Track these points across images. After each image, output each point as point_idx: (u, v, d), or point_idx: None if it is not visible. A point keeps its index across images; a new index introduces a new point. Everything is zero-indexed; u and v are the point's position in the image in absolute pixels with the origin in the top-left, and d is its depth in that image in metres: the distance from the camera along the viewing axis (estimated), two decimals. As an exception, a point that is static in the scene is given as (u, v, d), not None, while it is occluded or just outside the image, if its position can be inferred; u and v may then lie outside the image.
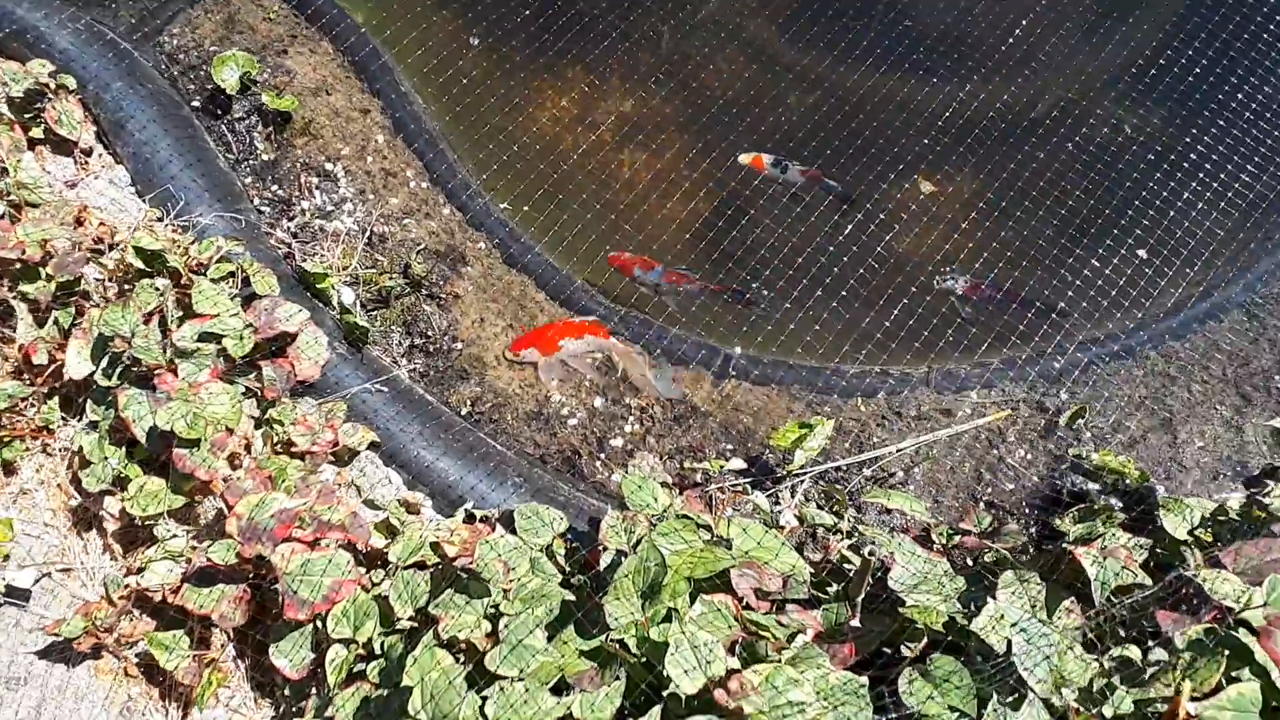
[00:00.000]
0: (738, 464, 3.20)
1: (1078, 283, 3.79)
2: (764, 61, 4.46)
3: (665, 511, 2.63)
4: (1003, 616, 2.19)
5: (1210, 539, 2.56)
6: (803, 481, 3.33)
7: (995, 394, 3.60)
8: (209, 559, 2.56)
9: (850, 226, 3.99)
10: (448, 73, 4.18)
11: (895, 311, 3.78)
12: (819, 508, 3.06)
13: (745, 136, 4.22)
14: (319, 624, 2.55)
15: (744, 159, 4.12)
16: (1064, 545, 2.44)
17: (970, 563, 2.71)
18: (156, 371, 2.85)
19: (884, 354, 3.70)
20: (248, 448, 2.92)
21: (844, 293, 3.84)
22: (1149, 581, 2.32)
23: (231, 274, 3.23)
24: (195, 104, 3.86)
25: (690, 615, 2.25)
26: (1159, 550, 2.54)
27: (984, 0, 4.51)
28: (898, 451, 3.41)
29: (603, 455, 3.48)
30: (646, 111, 4.29)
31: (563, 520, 2.76)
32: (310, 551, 2.59)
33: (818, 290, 3.86)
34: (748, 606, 2.35)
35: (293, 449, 2.93)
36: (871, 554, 2.60)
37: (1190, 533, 2.60)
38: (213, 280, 3.15)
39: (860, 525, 2.82)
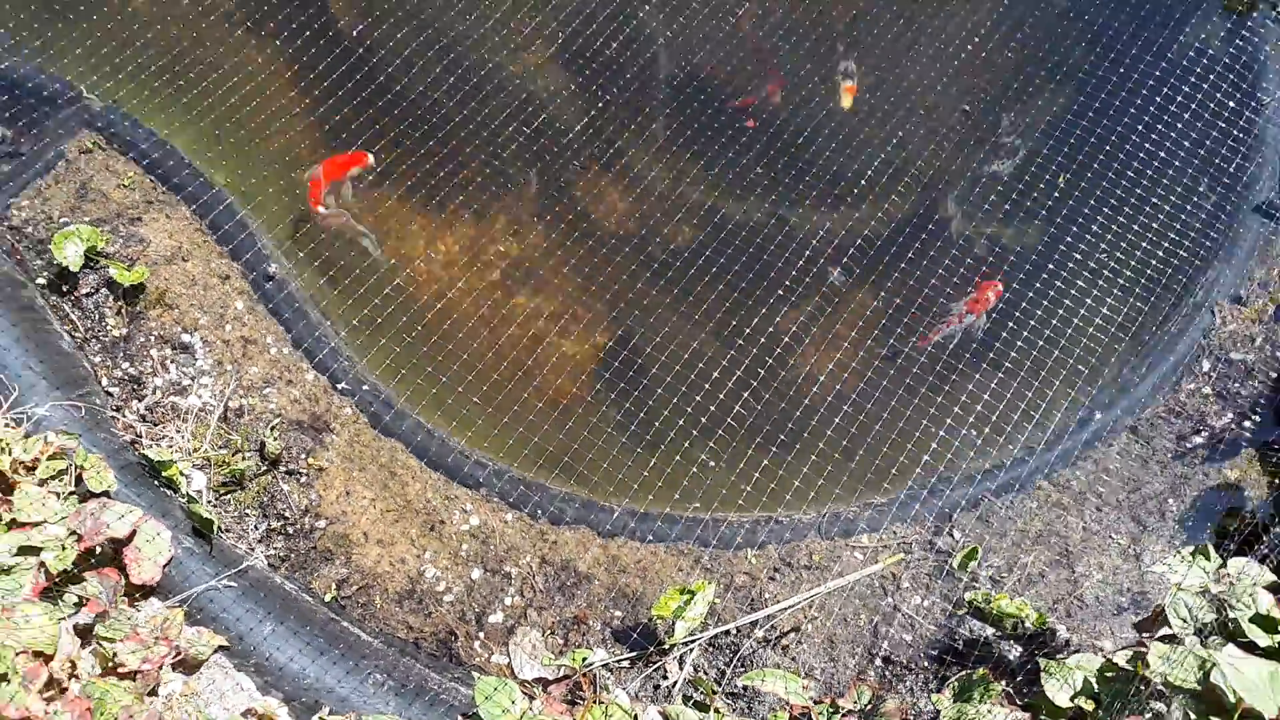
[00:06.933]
0: (600, 655, 3.01)
1: (957, 410, 3.71)
2: (646, 195, 4.39)
3: None
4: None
5: (1093, 706, 2.43)
6: (691, 650, 3.15)
7: (886, 536, 3.48)
8: (11, 817, 2.29)
9: (738, 359, 3.89)
10: (313, 231, 4.06)
11: (781, 452, 3.66)
12: (685, 693, 2.88)
13: (637, 272, 4.12)
14: None
15: None
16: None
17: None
18: (-34, 595, 2.61)
19: (773, 500, 3.57)
20: (72, 672, 2.66)
21: (727, 433, 3.72)
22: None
23: (64, 471, 3.01)
24: (41, 281, 3.68)
25: None
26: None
27: (861, 132, 4.50)
28: (788, 609, 3.26)
29: (482, 634, 3.27)
30: (524, 256, 4.20)
31: (418, 731, 2.54)
32: (131, 795, 2.34)
33: (708, 433, 3.75)
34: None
35: (122, 670, 2.68)
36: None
37: (1073, 699, 2.47)
38: (40, 481, 2.93)
39: (720, 709, 2.64)
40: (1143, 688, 2.46)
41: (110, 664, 2.71)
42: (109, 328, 3.65)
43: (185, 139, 4.13)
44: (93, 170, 4.01)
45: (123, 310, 3.68)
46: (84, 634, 2.79)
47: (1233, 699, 2.19)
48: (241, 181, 4.09)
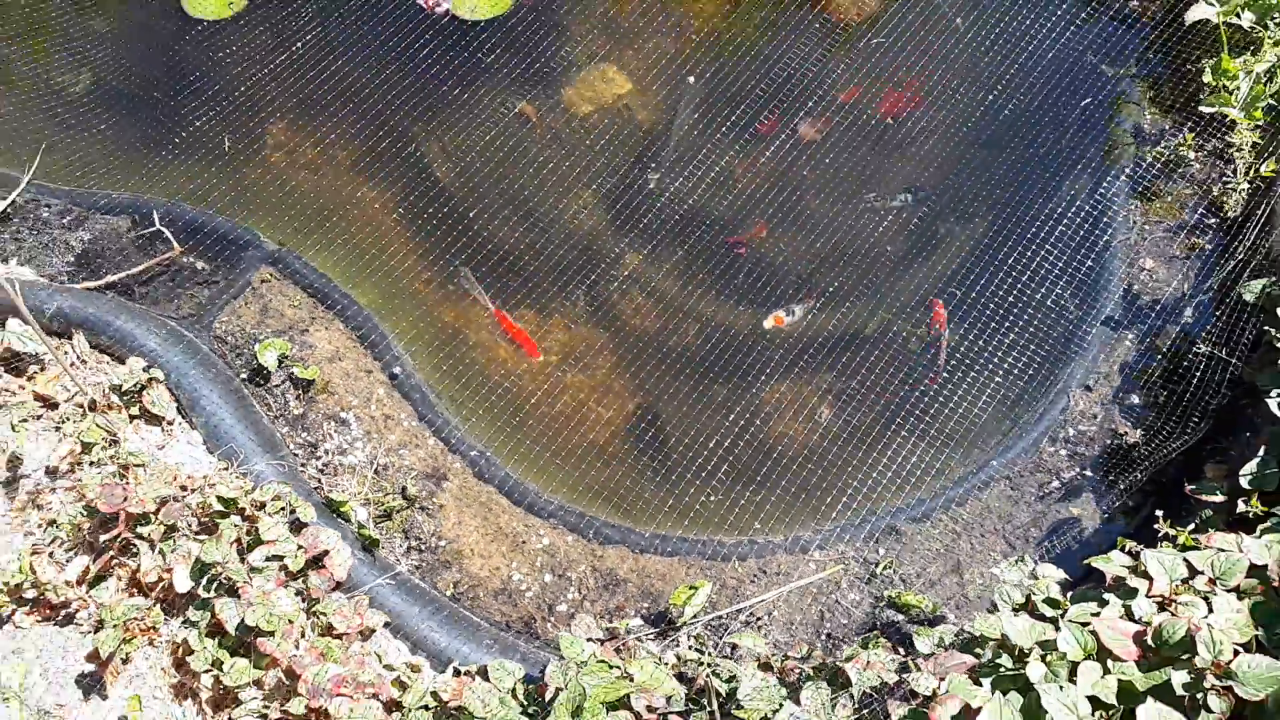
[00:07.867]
0: (637, 622, 4.55)
1: (885, 461, 5.24)
2: (665, 304, 5.97)
3: (589, 660, 3.97)
4: (791, 714, 3.53)
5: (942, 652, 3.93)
6: (695, 628, 4.68)
7: (831, 552, 4.99)
8: (285, 713, 3.85)
9: (730, 424, 5.44)
10: (427, 339, 5.67)
11: (758, 490, 5.20)
12: (691, 649, 4.40)
13: (658, 360, 5.70)
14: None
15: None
16: (838, 663, 3.80)
17: (794, 679, 4.05)
18: (239, 585, 4.19)
19: (752, 525, 5.10)
20: (304, 633, 4.23)
21: (721, 479, 5.27)
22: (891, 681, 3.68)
23: (283, 508, 4.60)
24: (243, 376, 5.30)
25: (601, 726, 3.58)
26: (907, 663, 3.91)
27: (829, 247, 6.07)
28: (761, 602, 4.77)
29: (552, 619, 4.81)
30: (575, 348, 5.78)
31: (521, 669, 4.08)
32: (353, 702, 3.90)
33: (709, 477, 5.30)
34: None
35: (333, 632, 4.25)
36: (731, 678, 3.95)
37: (931, 649, 3.99)
38: (270, 515, 4.52)
39: (716, 661, 4.16)
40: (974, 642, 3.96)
41: (324, 629, 4.28)
42: (291, 408, 5.26)
43: (336, 270, 5.77)
44: (271, 295, 5.65)
45: (300, 396, 5.29)
46: (305, 611, 4.36)
47: (1012, 640, 3.69)
48: (378, 301, 5.72)
